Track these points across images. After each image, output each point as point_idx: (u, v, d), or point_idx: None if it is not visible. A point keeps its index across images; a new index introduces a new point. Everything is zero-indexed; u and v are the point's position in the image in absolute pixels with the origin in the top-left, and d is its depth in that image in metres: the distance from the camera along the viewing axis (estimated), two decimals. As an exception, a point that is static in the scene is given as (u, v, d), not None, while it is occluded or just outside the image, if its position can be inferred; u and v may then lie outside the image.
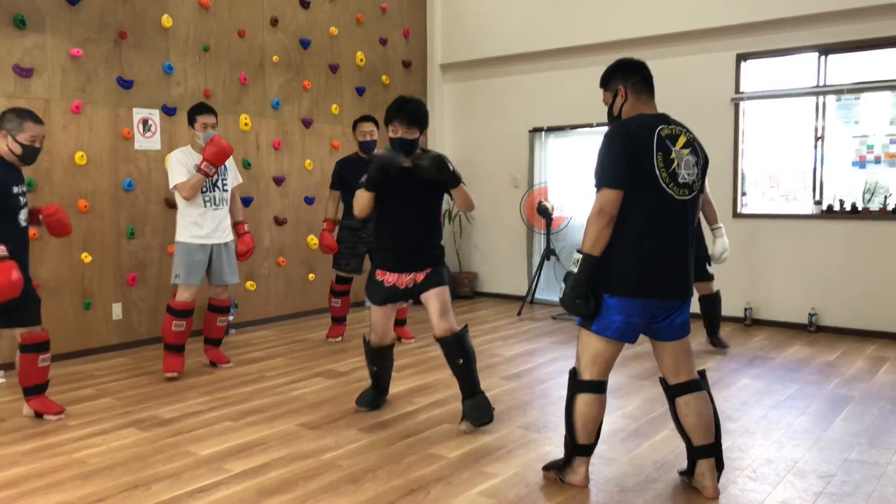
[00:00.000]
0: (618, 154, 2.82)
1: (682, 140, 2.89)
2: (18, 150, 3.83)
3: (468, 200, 3.83)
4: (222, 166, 4.91)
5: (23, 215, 3.91)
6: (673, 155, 2.84)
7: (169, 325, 4.85)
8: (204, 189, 4.84)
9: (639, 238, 2.84)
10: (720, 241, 5.29)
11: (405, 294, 3.89)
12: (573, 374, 3.06)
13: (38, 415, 4.06)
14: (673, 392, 3.04)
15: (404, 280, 3.85)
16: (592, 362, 2.98)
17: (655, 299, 2.88)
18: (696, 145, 2.95)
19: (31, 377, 4.01)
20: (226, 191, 5.00)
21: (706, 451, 3.01)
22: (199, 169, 4.72)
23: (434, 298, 3.81)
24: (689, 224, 2.94)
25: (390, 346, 4.08)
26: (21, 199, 3.90)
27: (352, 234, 5.76)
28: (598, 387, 3.00)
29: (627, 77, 2.98)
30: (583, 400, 3.00)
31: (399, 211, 3.82)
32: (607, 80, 3.05)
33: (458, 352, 3.79)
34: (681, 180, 2.85)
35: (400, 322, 5.89)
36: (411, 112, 3.70)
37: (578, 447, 3.07)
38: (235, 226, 5.16)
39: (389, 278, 3.87)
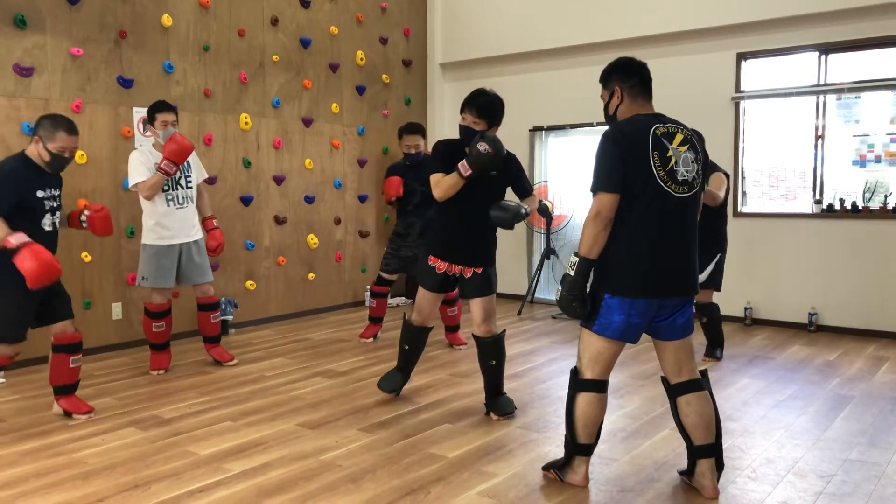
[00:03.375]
0: (613, 158, 2.82)
1: (679, 137, 2.88)
2: (47, 157, 3.82)
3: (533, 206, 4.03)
4: (185, 164, 4.87)
5: (48, 219, 3.88)
6: (670, 153, 2.83)
7: (149, 327, 4.92)
8: (166, 188, 4.78)
9: (638, 238, 2.84)
10: None
11: (454, 282, 4.03)
12: (574, 373, 3.06)
13: (68, 414, 4.06)
14: (674, 391, 3.04)
15: (454, 269, 3.96)
16: (593, 362, 2.98)
17: (656, 299, 2.88)
18: (693, 142, 2.94)
19: (61, 377, 4.01)
20: (190, 188, 4.93)
21: (706, 450, 3.01)
22: (159, 168, 4.64)
23: (479, 305, 3.96)
24: (690, 222, 2.93)
25: (428, 329, 4.25)
26: (47, 203, 3.87)
27: (397, 238, 5.90)
28: (599, 386, 3.01)
29: (625, 79, 2.98)
30: (583, 399, 3.01)
31: (463, 203, 3.82)
32: (606, 79, 3.05)
33: (493, 353, 3.99)
34: (680, 178, 2.84)
35: (452, 328, 5.83)
36: (483, 104, 3.77)
37: (579, 447, 3.07)
38: (204, 221, 5.10)
39: (441, 266, 3.96)
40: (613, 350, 2.98)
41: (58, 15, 5.28)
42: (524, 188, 4.03)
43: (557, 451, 3.42)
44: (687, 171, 2.86)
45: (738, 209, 6.65)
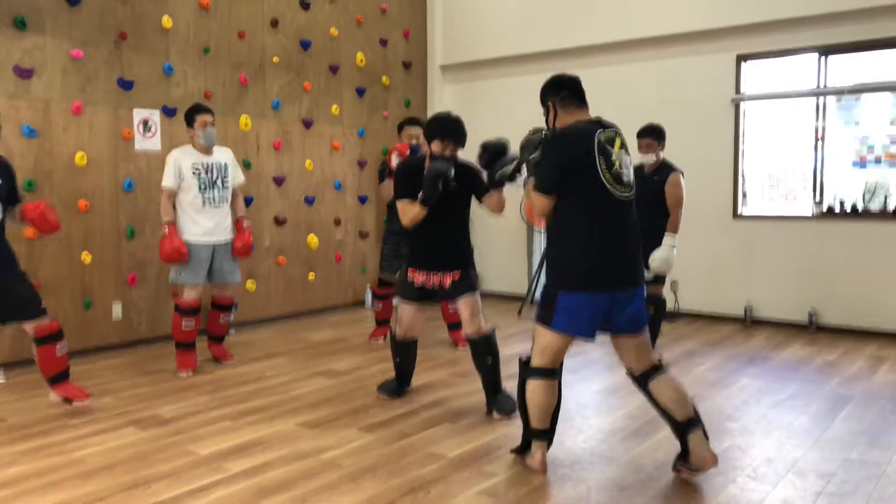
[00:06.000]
0: (552, 162, 3.05)
1: (618, 142, 3.07)
2: None
3: (501, 204, 4.00)
4: (223, 164, 5.04)
5: None
6: (614, 157, 3.02)
7: (179, 324, 4.95)
8: (203, 188, 4.92)
9: (584, 237, 3.03)
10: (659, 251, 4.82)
11: (433, 293, 4.14)
12: (525, 363, 3.26)
13: (68, 401, 4.08)
14: (643, 380, 3.18)
15: (432, 280, 4.08)
16: (541, 352, 3.19)
17: (601, 292, 3.03)
18: (626, 145, 3.11)
19: (51, 367, 4.03)
20: (226, 188, 5.06)
21: (691, 423, 3.10)
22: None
23: (464, 303, 4.07)
24: (630, 220, 3.10)
25: (414, 340, 4.34)
26: None
27: (396, 236, 5.76)
28: (547, 373, 3.19)
29: (556, 93, 3.20)
30: (531, 385, 3.21)
31: (432, 215, 3.97)
32: (542, 97, 3.28)
33: (486, 351, 4.07)
34: (625, 179, 3.04)
35: (455, 326, 5.80)
36: (463, 134, 3.98)
37: (533, 431, 3.26)
38: (235, 223, 5.20)
39: (418, 277, 4.09)
40: (560, 343, 3.15)
41: (58, 16, 5.29)
42: (484, 188, 4.03)
43: (557, 450, 3.43)
44: (627, 174, 3.06)
45: (739, 211, 6.65)
